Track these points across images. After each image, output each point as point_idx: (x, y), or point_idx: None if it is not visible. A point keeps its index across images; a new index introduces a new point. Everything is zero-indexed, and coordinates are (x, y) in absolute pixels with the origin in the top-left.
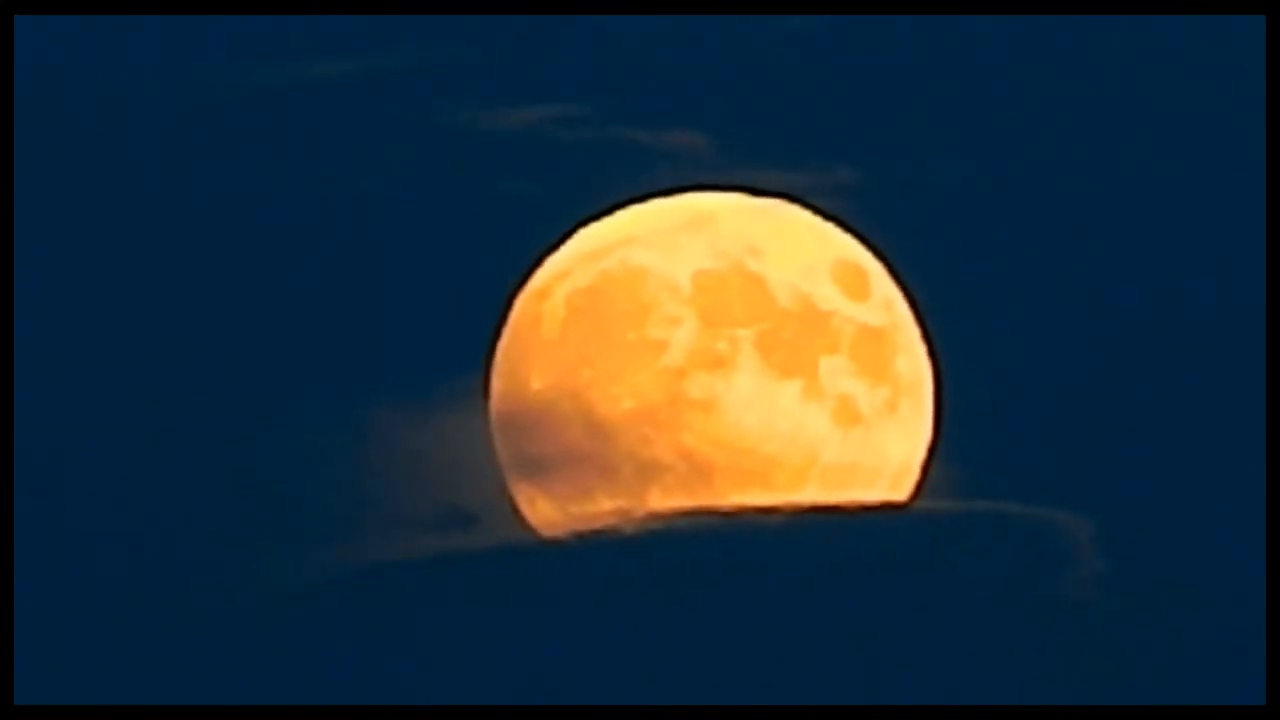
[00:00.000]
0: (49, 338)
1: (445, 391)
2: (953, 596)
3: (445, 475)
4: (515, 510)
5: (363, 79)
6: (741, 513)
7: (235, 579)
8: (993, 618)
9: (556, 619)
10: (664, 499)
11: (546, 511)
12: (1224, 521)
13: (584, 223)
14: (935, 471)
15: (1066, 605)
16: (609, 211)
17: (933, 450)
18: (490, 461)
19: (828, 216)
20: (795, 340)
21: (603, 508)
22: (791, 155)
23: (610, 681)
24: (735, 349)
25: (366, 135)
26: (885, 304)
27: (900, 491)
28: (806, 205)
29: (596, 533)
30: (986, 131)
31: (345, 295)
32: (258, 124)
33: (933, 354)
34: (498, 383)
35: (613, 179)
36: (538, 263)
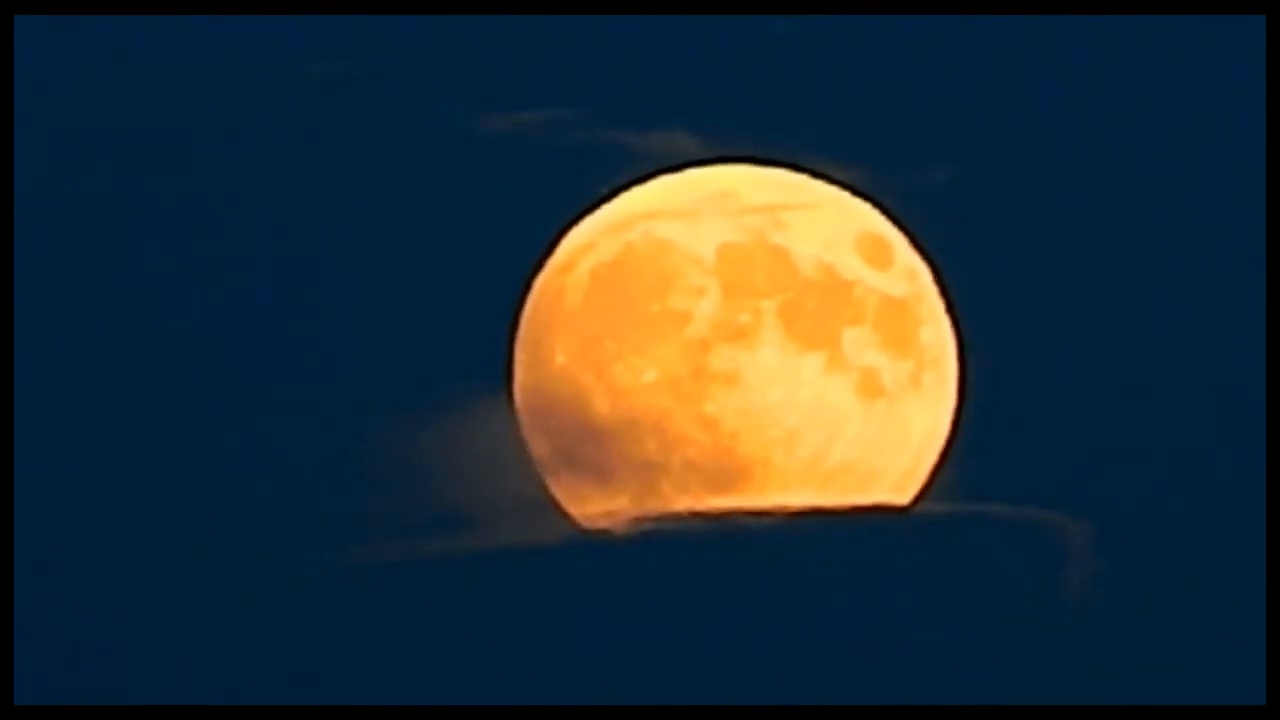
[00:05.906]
0: (48, 339)
1: (442, 392)
2: (951, 599)
3: (444, 479)
4: (527, 505)
5: (359, 80)
6: (737, 515)
7: (238, 579)
8: (992, 619)
9: (555, 620)
10: (686, 475)
11: (571, 486)
12: (1223, 523)
13: (572, 225)
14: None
15: (1065, 607)
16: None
17: (951, 439)
18: (489, 464)
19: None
20: (818, 310)
21: (627, 488)
22: (782, 156)
23: (609, 682)
24: (758, 320)
25: (360, 138)
26: (908, 274)
27: (922, 468)
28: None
29: (588, 536)
30: (983, 134)
31: (342, 296)
32: (256, 124)
33: None
34: (521, 355)
35: (602, 182)
36: (537, 266)
